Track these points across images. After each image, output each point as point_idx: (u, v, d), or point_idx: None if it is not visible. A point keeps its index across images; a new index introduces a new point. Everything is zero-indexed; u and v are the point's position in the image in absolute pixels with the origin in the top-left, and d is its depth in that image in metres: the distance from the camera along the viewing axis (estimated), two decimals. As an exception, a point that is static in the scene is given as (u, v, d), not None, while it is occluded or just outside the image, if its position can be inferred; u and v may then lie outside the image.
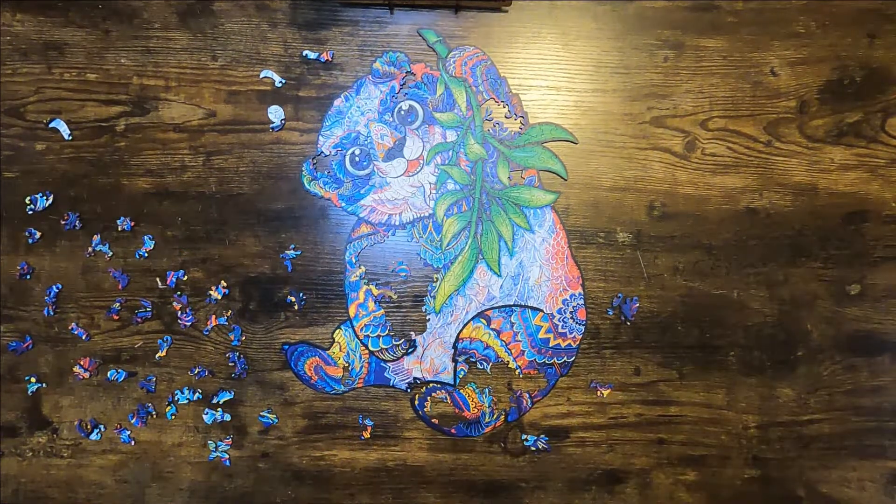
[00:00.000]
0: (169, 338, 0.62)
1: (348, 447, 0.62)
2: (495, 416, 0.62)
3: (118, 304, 0.61)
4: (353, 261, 0.62)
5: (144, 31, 0.62)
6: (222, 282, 0.62)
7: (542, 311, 0.62)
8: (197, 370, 0.62)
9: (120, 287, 0.62)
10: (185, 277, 0.62)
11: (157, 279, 0.62)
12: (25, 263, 0.61)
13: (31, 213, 0.61)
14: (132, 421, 0.62)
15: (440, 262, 0.62)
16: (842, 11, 0.63)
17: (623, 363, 0.63)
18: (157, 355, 0.62)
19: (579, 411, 0.63)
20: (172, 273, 0.62)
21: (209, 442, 0.62)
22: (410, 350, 0.62)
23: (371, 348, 0.62)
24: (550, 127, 0.62)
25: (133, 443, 0.62)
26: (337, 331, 0.62)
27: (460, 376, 0.62)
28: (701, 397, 0.63)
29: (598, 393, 0.63)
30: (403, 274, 0.62)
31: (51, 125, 0.59)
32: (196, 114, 0.62)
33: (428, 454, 0.63)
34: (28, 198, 0.61)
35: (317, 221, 0.62)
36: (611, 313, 0.63)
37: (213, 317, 0.62)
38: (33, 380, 0.61)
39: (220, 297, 0.61)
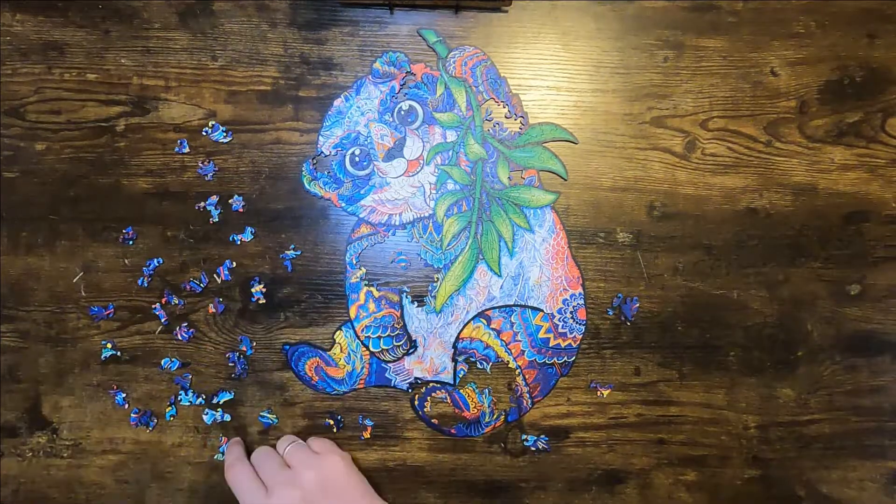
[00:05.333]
0: (192, 331, 0.62)
1: (348, 447, 0.62)
2: (495, 417, 0.62)
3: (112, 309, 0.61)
4: (354, 262, 0.62)
5: (144, 31, 0.62)
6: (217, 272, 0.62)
7: (542, 311, 0.62)
8: (198, 370, 0.62)
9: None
10: (185, 277, 0.62)
11: (157, 279, 0.62)
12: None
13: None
14: (132, 422, 0.62)
15: (440, 262, 0.62)
16: (842, 11, 0.63)
17: (623, 363, 0.63)
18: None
19: (579, 411, 0.63)
20: (171, 273, 0.62)
21: (213, 442, 0.62)
22: (411, 350, 0.62)
23: (372, 349, 0.62)
24: (550, 127, 0.62)
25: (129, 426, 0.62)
26: (338, 332, 0.62)
27: (460, 376, 0.62)
28: (701, 397, 0.63)
29: (598, 393, 0.63)
30: (403, 264, 0.62)
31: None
32: (196, 114, 0.62)
33: (428, 454, 0.63)
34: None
35: (317, 221, 0.62)
36: (611, 313, 0.63)
37: (211, 307, 0.62)
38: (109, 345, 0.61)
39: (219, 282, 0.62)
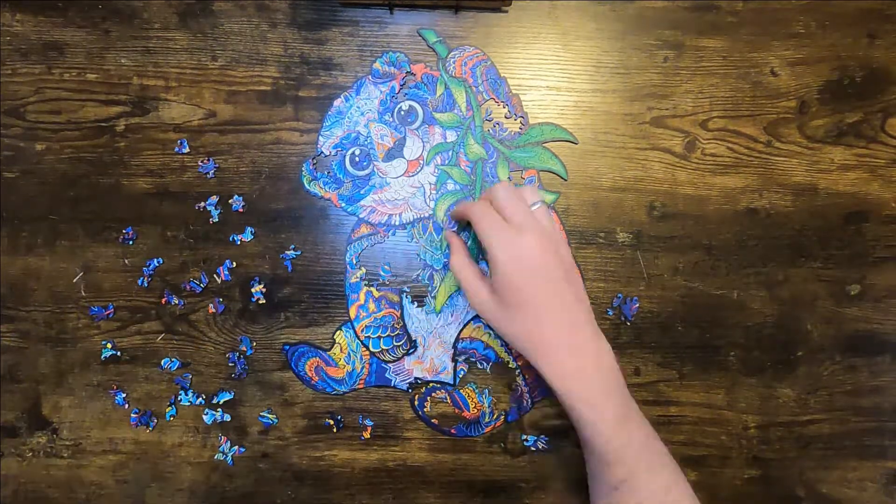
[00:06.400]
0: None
1: (348, 447, 0.62)
2: (495, 417, 0.62)
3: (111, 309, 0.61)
4: (354, 262, 0.62)
5: (144, 31, 0.62)
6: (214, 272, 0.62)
7: (542, 311, 0.62)
8: (198, 370, 0.62)
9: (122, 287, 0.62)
10: (185, 277, 0.62)
11: (157, 279, 0.62)
12: None
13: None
14: (132, 422, 0.62)
15: (440, 262, 0.62)
16: (842, 11, 0.63)
17: (623, 363, 0.63)
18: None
19: (579, 411, 0.63)
20: (172, 273, 0.62)
21: (213, 442, 0.62)
22: (411, 350, 0.62)
23: (372, 349, 0.62)
24: (550, 127, 0.62)
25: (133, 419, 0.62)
26: (338, 332, 0.62)
27: (460, 376, 0.62)
28: (701, 397, 0.63)
29: (598, 393, 0.62)
30: (386, 275, 0.62)
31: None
32: (196, 114, 0.62)
33: (428, 454, 0.63)
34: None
35: (317, 221, 0.62)
36: (611, 313, 0.63)
37: (211, 307, 0.62)
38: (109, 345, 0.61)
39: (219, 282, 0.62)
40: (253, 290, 0.62)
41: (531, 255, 0.47)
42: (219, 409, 0.62)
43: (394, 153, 0.62)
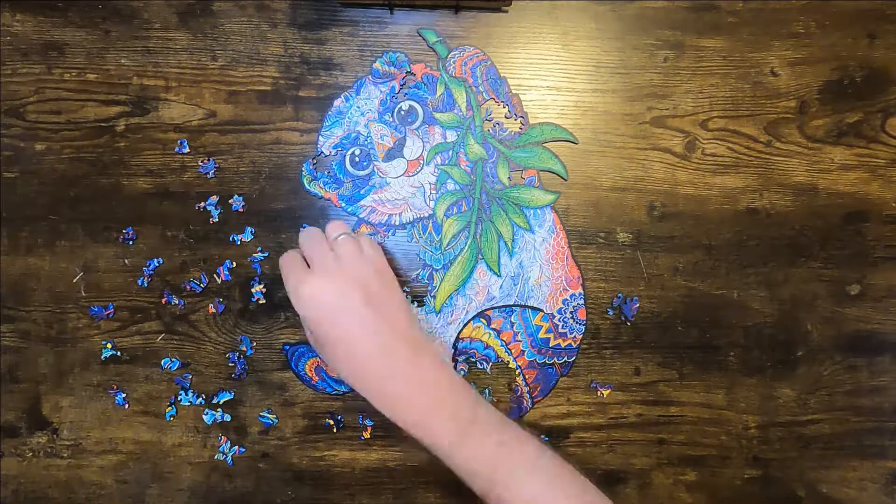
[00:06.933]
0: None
1: (348, 447, 0.62)
2: (495, 417, 0.62)
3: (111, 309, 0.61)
4: (354, 261, 0.62)
5: (144, 31, 0.62)
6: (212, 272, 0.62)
7: (542, 311, 0.62)
8: (198, 370, 0.62)
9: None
10: (185, 277, 0.62)
11: (157, 279, 0.62)
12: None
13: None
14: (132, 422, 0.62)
15: (440, 262, 0.62)
16: (842, 11, 0.63)
17: (623, 363, 0.63)
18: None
19: (579, 411, 0.63)
20: (172, 273, 0.62)
21: (213, 442, 0.62)
22: (410, 350, 0.62)
23: (371, 348, 0.62)
24: (550, 127, 0.62)
25: (127, 405, 0.62)
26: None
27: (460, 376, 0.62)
28: (701, 397, 0.63)
29: (598, 393, 0.63)
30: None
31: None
32: (196, 114, 0.62)
33: (428, 454, 0.62)
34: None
35: (317, 221, 0.62)
36: (611, 313, 0.63)
37: (211, 307, 0.62)
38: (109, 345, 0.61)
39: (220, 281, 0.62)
40: (253, 290, 0.62)
41: (321, 291, 0.48)
42: (219, 409, 0.62)
43: (394, 153, 0.62)
